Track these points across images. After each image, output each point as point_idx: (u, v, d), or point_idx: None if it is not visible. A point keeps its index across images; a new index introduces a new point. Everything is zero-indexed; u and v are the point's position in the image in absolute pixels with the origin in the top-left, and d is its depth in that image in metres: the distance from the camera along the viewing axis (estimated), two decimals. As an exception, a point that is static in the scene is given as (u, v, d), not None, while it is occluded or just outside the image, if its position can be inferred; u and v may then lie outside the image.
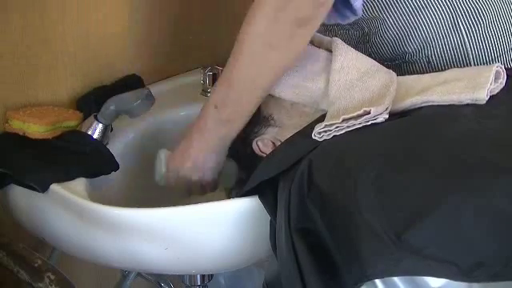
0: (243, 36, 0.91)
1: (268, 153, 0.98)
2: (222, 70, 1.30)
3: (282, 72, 0.94)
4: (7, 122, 1.08)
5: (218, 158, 1.02)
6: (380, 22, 1.02)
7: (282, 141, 0.97)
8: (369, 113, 0.86)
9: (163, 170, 1.06)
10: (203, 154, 1.00)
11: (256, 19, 0.89)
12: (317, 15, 0.88)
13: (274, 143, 0.99)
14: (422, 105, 0.89)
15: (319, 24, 0.90)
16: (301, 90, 0.97)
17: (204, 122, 0.99)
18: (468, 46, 1.00)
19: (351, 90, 0.93)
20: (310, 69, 0.97)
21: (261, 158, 0.99)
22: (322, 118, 0.92)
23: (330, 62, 0.96)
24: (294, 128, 0.96)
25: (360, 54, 0.98)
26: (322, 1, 0.86)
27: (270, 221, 0.91)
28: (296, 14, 0.87)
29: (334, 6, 0.90)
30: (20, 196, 1.01)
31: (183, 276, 1.26)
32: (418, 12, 0.99)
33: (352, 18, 0.94)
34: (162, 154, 1.07)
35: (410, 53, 1.02)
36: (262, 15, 0.88)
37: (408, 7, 1.00)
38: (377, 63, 0.98)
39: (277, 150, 0.95)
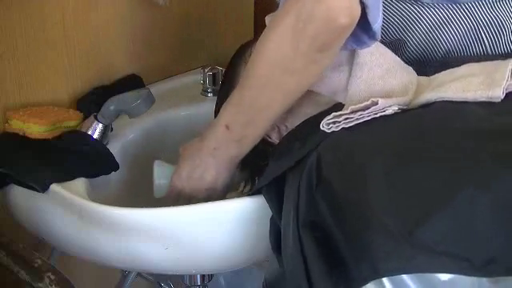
0: (259, 59, 0.88)
1: (273, 137, 0.97)
2: (222, 70, 1.31)
3: (296, 96, 0.91)
4: (7, 122, 1.08)
5: (230, 174, 0.99)
6: (401, 43, 1.00)
7: (289, 127, 0.95)
8: (376, 103, 0.85)
9: (162, 182, 1.03)
10: (215, 174, 0.97)
11: (273, 43, 0.85)
12: (338, 40, 0.84)
13: (279, 128, 0.97)
14: (437, 100, 0.87)
15: (339, 49, 0.86)
16: (321, 78, 0.94)
17: (214, 142, 0.95)
18: (490, 54, 0.98)
19: (371, 88, 0.91)
20: (337, 58, 0.93)
21: (264, 146, 0.96)
22: (331, 110, 0.91)
23: (352, 56, 0.94)
24: (304, 116, 0.94)
25: (383, 48, 0.95)
26: (344, 25, 0.81)
27: (270, 220, 0.91)
28: (316, 40, 0.82)
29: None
30: (20, 196, 1.01)
31: (183, 276, 1.26)
32: (440, 27, 0.97)
33: (369, 43, 0.88)
34: (157, 167, 1.04)
35: (431, 65, 0.99)
36: (281, 40, 0.84)
37: (430, 24, 0.97)
38: (399, 60, 0.96)
39: (285, 144, 0.93)
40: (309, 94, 0.94)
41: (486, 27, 0.98)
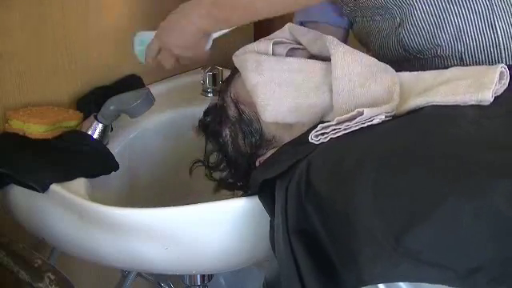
0: None
1: None
2: (222, 70, 1.31)
3: (289, 9, 0.98)
4: (7, 122, 1.08)
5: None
6: (412, 8, 1.01)
7: None
8: (362, 113, 0.85)
9: (141, 48, 1.09)
10: (195, 30, 1.03)
11: None
12: None
13: None
14: (426, 105, 0.88)
15: None
16: (303, 109, 0.96)
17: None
18: (502, 47, 0.99)
19: (355, 98, 0.91)
20: (306, 86, 0.95)
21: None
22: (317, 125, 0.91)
23: (328, 71, 0.95)
24: None
25: (357, 53, 0.96)
26: None
27: (270, 221, 0.91)
28: None
29: None
30: (20, 196, 1.01)
31: (183, 276, 1.26)
32: (452, 1, 0.98)
33: None
34: (136, 37, 1.11)
35: (442, 46, 1.00)
36: None
37: None
38: (376, 61, 0.96)
39: (274, 156, 0.95)
40: (296, 126, 0.96)
41: (501, 16, 0.98)
